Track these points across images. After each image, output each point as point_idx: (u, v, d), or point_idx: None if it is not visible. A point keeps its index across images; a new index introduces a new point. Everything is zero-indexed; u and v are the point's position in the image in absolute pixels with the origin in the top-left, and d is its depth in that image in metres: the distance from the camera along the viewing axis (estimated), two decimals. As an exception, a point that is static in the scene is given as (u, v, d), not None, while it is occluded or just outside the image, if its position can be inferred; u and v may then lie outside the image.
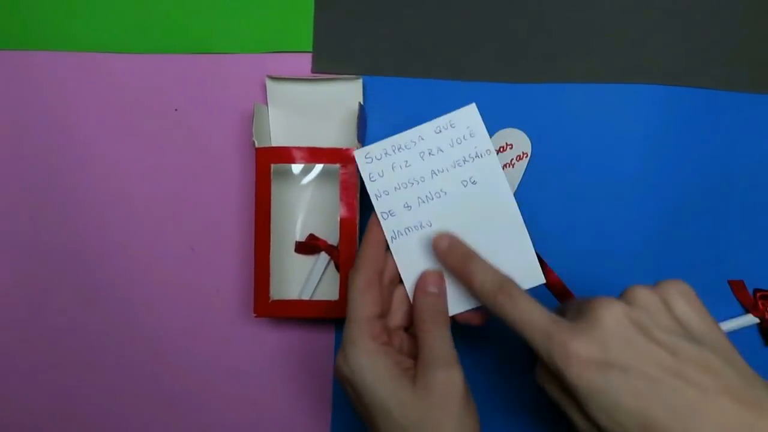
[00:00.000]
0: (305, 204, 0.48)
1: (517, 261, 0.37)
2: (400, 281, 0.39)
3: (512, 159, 0.47)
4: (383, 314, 0.37)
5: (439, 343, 0.35)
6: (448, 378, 0.34)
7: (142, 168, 0.49)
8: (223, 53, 0.48)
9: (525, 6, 0.47)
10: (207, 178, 0.48)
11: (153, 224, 0.49)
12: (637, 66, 0.46)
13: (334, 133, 0.47)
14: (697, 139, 0.47)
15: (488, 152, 0.38)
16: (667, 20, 0.47)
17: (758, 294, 0.46)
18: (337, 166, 0.44)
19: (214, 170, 0.48)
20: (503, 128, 0.47)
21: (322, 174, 0.48)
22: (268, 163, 0.44)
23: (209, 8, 0.48)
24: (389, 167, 0.39)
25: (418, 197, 0.38)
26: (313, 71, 0.47)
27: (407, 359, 0.36)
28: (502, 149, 0.47)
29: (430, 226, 0.38)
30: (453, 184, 0.38)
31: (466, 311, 0.38)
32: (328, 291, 0.47)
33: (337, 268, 0.45)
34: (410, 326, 0.39)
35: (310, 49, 0.47)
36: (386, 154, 0.39)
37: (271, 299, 0.44)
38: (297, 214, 0.48)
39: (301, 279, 0.48)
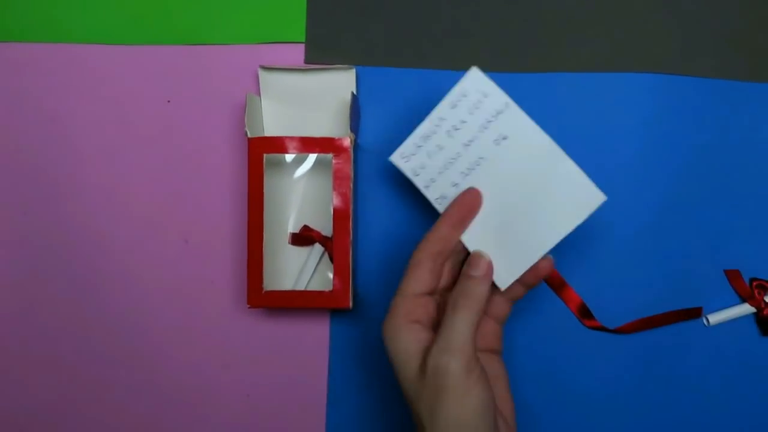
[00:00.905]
0: (299, 195, 0.48)
1: (572, 190, 0.38)
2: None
3: (506, 149, 0.47)
4: (432, 291, 0.38)
5: (453, 330, 0.35)
6: (441, 364, 0.34)
7: (134, 160, 0.48)
8: (216, 44, 0.48)
9: (518, -5, 0.47)
10: (200, 169, 0.48)
11: (146, 216, 0.48)
12: (632, 55, 0.46)
13: (327, 123, 0.47)
14: (692, 127, 0.46)
15: (507, 105, 0.39)
16: (662, 8, 0.46)
17: (754, 283, 0.46)
18: (330, 156, 0.43)
19: (207, 161, 0.48)
20: (497, 118, 0.47)
21: (316, 164, 0.47)
22: (260, 153, 0.43)
23: (201, -1, 0.48)
24: (425, 157, 0.40)
25: (461, 172, 0.39)
26: (306, 61, 0.47)
27: (432, 335, 0.37)
28: (496, 139, 0.47)
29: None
30: (487, 148, 0.39)
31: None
32: (322, 282, 0.47)
33: (331, 259, 0.45)
34: None
35: (303, 40, 0.47)
36: (417, 146, 0.40)
37: (264, 290, 0.44)
38: (291, 205, 0.48)
39: (296, 270, 0.47)
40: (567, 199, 0.38)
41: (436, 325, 0.38)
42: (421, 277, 0.37)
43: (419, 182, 0.41)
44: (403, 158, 0.41)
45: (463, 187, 0.39)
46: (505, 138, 0.39)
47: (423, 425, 0.35)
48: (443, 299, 0.40)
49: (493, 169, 0.39)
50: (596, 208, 0.38)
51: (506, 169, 0.39)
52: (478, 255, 0.38)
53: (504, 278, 0.39)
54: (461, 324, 0.36)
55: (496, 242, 0.39)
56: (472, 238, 0.39)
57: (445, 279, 0.40)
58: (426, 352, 0.36)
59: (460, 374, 0.34)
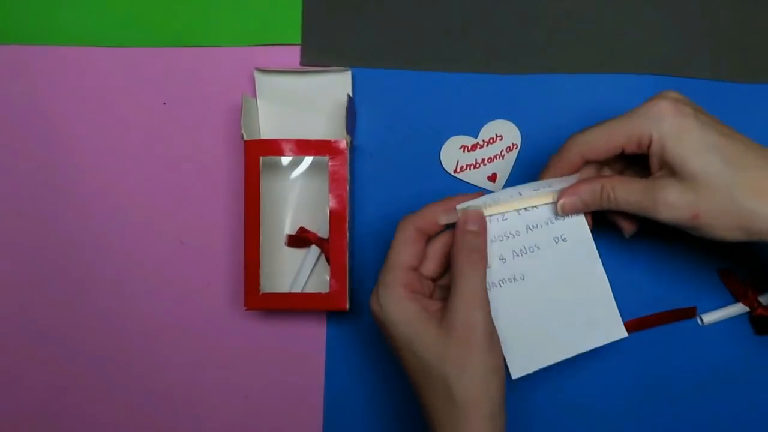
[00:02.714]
0: (295, 196, 0.48)
1: (599, 315, 0.39)
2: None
3: (502, 150, 0.47)
4: (418, 267, 0.39)
5: (468, 283, 0.36)
6: (470, 318, 0.35)
7: (130, 162, 0.48)
8: (212, 46, 0.48)
9: (513, -3, 0.47)
10: (196, 171, 0.48)
11: (142, 218, 0.48)
12: (625, 56, 0.46)
13: (324, 125, 0.47)
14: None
15: (579, 214, 0.39)
16: (654, 10, 0.47)
17: (748, 283, 0.47)
18: (327, 158, 0.44)
19: (204, 163, 0.48)
20: (493, 120, 0.47)
21: (312, 166, 0.47)
22: (256, 155, 0.44)
23: (196, 1, 0.48)
24: (487, 218, 0.40)
25: (513, 250, 0.39)
26: (302, 64, 0.47)
27: (435, 302, 0.38)
28: (491, 141, 0.47)
29: (523, 279, 0.39)
30: (545, 240, 0.39)
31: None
32: (319, 283, 0.47)
33: (328, 260, 0.45)
34: (438, 278, 0.40)
35: (299, 42, 0.47)
36: (486, 205, 0.40)
37: (261, 292, 0.44)
38: (287, 207, 0.48)
39: (293, 272, 0.47)
40: (592, 318, 0.39)
41: (429, 296, 0.39)
42: (413, 251, 0.38)
43: None
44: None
45: (510, 264, 0.39)
46: (565, 240, 0.39)
47: (449, 386, 0.35)
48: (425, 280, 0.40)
49: (543, 261, 0.39)
50: (613, 341, 0.39)
51: (553, 267, 0.39)
52: (471, 210, 0.38)
53: (520, 366, 0.39)
54: (476, 278, 0.36)
55: (524, 328, 0.39)
56: (503, 313, 0.39)
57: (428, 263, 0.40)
58: (438, 315, 0.36)
59: (488, 325, 0.36)
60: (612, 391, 0.47)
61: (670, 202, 0.35)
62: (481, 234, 0.38)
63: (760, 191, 0.34)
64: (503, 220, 0.40)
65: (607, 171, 0.41)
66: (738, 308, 0.46)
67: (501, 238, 0.40)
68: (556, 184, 0.39)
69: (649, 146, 0.36)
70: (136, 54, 0.48)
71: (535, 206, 0.40)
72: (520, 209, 0.40)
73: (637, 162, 0.40)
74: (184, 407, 0.49)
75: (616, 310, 0.39)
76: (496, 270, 0.39)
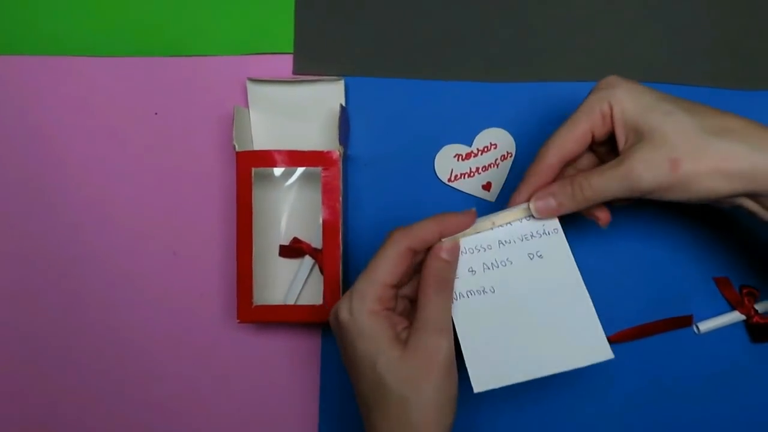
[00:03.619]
0: (288, 206, 0.47)
1: (582, 334, 0.37)
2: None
3: (496, 159, 0.47)
4: (399, 285, 0.38)
5: (436, 310, 0.36)
6: (435, 343, 0.35)
7: (122, 173, 0.48)
8: (203, 56, 0.47)
9: (507, 5, 0.47)
10: (188, 182, 0.48)
11: (134, 229, 0.48)
12: (619, 63, 0.46)
13: (316, 135, 0.47)
14: (681, 136, 0.46)
15: (555, 231, 0.39)
16: (649, 17, 0.46)
17: (744, 290, 0.46)
18: (320, 168, 0.43)
19: (196, 174, 0.48)
20: (487, 128, 0.47)
21: (306, 176, 0.47)
22: (249, 167, 0.43)
23: (188, 10, 0.47)
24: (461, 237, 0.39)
25: (484, 263, 0.39)
26: (295, 73, 0.47)
27: (404, 321, 0.37)
28: (486, 149, 0.47)
29: (493, 292, 0.39)
30: (519, 255, 0.39)
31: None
32: (314, 294, 0.47)
33: (321, 271, 0.45)
34: (415, 297, 0.39)
35: (291, 51, 0.47)
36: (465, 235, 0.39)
37: (254, 304, 0.44)
38: (280, 217, 0.47)
39: (286, 282, 0.47)
40: (574, 338, 0.37)
41: (402, 311, 0.39)
42: (399, 270, 0.36)
43: None
44: None
45: (480, 276, 0.39)
46: (540, 256, 0.39)
47: (407, 408, 0.35)
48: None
49: (516, 275, 0.38)
50: (599, 362, 0.37)
51: (528, 282, 0.38)
52: (453, 241, 0.38)
53: (483, 380, 0.37)
54: (444, 304, 0.36)
55: (491, 341, 0.38)
56: (469, 324, 0.38)
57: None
58: (403, 335, 0.36)
59: (451, 354, 0.35)
60: (608, 399, 0.47)
61: (647, 159, 0.34)
62: (451, 264, 0.37)
63: (727, 130, 0.34)
64: (475, 232, 0.39)
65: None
66: (734, 316, 0.46)
67: (471, 251, 0.39)
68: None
69: (611, 117, 0.36)
70: (128, 64, 0.48)
71: (509, 222, 0.39)
72: (494, 227, 0.39)
73: (612, 152, 0.39)
74: (178, 418, 0.49)
75: (600, 330, 0.37)
76: (464, 281, 0.38)
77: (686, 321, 0.47)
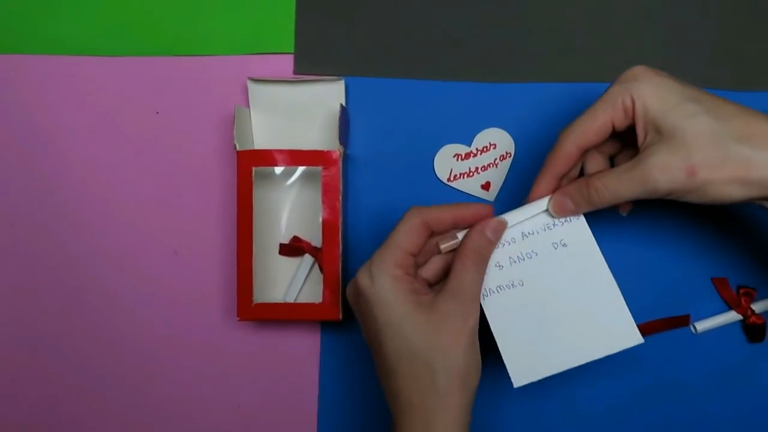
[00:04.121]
0: (289, 206, 0.48)
1: (612, 320, 0.38)
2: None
3: (495, 159, 0.47)
4: (416, 256, 0.38)
5: (471, 279, 0.36)
6: (465, 310, 0.36)
7: (123, 172, 0.48)
8: (204, 55, 0.48)
9: (506, 6, 0.47)
10: (189, 181, 0.48)
11: (135, 228, 0.48)
12: (618, 64, 0.46)
13: (317, 135, 0.47)
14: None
15: (578, 218, 0.39)
16: (647, 18, 0.47)
17: (741, 291, 0.47)
18: (320, 167, 0.44)
19: (197, 173, 0.48)
20: (486, 128, 0.47)
21: (306, 175, 0.47)
22: (249, 166, 0.43)
23: (189, 10, 0.47)
24: None
25: (510, 257, 0.39)
26: (295, 72, 0.47)
27: (426, 289, 0.38)
28: (485, 149, 0.47)
29: (522, 285, 0.39)
30: (543, 246, 0.39)
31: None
32: (313, 292, 0.47)
33: (321, 270, 0.45)
34: (435, 283, 0.40)
35: (292, 51, 0.47)
36: None
37: (254, 302, 0.44)
38: (281, 216, 0.48)
39: (287, 281, 0.47)
40: (605, 325, 0.38)
41: (418, 282, 0.38)
42: (415, 240, 0.37)
43: None
44: None
45: (507, 271, 0.39)
46: (564, 245, 0.39)
47: (434, 373, 0.35)
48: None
49: (542, 266, 0.39)
50: (629, 347, 0.38)
51: (554, 272, 0.39)
52: (500, 221, 0.38)
53: (522, 375, 0.38)
54: (479, 277, 0.37)
55: (525, 335, 0.38)
56: (502, 320, 0.38)
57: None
58: (428, 302, 0.36)
59: (477, 323, 0.36)
60: (606, 399, 0.47)
61: (664, 163, 0.34)
62: (494, 245, 0.38)
63: (750, 136, 0.33)
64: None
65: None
66: (731, 316, 0.47)
67: (497, 246, 0.39)
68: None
69: (633, 111, 0.36)
70: (129, 63, 0.48)
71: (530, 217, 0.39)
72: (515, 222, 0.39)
73: (630, 144, 0.39)
74: (179, 417, 0.49)
75: (629, 314, 0.38)
76: (493, 276, 0.39)
77: (683, 321, 0.47)
